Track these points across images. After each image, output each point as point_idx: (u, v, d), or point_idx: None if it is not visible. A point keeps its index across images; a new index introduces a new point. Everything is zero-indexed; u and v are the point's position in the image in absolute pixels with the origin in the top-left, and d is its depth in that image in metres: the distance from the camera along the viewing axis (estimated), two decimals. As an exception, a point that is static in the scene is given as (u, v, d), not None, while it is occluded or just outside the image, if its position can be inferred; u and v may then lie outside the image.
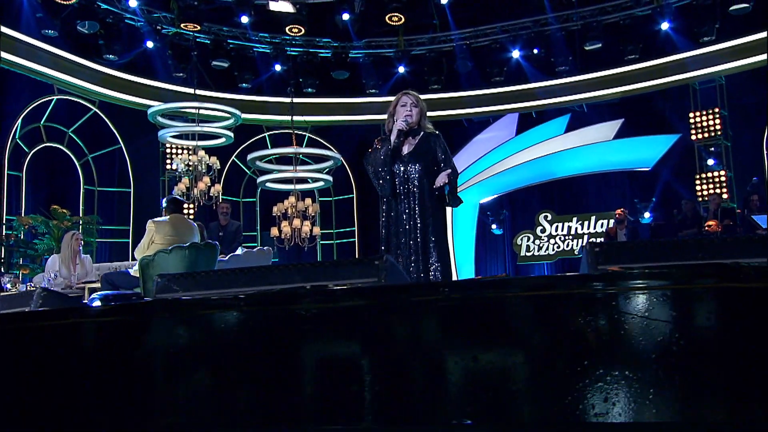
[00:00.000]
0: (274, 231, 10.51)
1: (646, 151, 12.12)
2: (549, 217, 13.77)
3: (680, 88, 12.10)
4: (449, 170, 3.64)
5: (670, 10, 11.39)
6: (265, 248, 6.09)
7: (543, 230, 13.81)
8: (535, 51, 12.31)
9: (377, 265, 1.55)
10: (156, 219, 5.60)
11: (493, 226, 13.99)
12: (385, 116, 3.92)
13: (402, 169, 3.68)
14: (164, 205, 5.67)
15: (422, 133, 3.81)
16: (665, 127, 12.25)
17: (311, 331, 1.42)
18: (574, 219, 13.61)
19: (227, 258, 5.90)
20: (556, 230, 13.72)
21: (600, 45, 11.89)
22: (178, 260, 5.20)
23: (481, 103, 13.04)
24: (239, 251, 6.41)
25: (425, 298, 1.35)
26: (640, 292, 1.18)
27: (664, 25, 11.52)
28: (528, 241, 13.88)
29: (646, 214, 12.46)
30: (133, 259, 6.03)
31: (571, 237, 13.60)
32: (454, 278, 6.27)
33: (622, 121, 12.48)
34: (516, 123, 13.25)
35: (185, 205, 11.90)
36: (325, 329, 1.40)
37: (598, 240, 12.37)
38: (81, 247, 6.74)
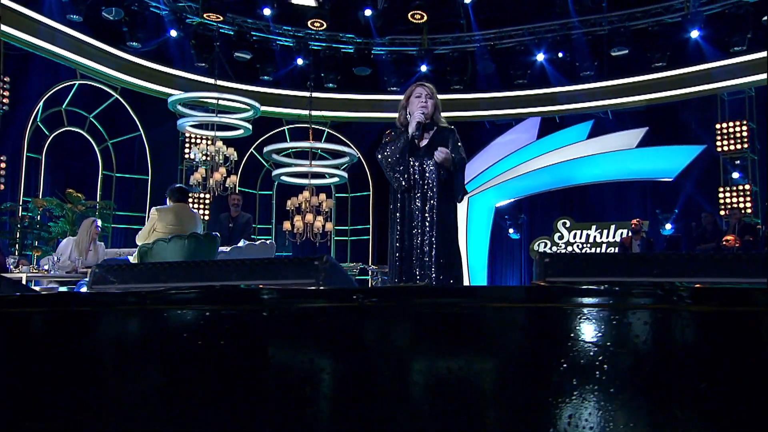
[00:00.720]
0: (287, 225, 10.50)
1: (669, 161, 11.86)
2: (568, 224, 13.57)
3: (707, 98, 11.82)
4: (451, 153, 3.51)
5: (700, 18, 11.13)
6: (267, 241, 6.06)
7: (561, 237, 13.61)
8: (560, 55, 12.13)
9: (317, 266, 1.48)
10: (159, 207, 5.59)
11: (511, 231, 13.83)
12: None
13: (417, 163, 3.54)
14: (168, 193, 5.65)
15: (436, 127, 3.65)
16: (690, 138, 11.97)
17: (268, 334, 1.34)
18: (593, 227, 13.39)
19: (229, 250, 5.88)
20: (575, 238, 13.51)
21: (627, 51, 11.68)
22: (176, 249, 5.18)
23: (502, 106, 12.89)
24: (241, 243, 6.39)
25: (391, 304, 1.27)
26: (569, 309, 1.10)
27: (694, 33, 11.26)
28: (545, 247, 13.69)
29: (668, 226, 12.20)
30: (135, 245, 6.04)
31: (589, 245, 13.38)
32: (465, 278, 6.13)
33: (646, 129, 12.23)
34: (538, 127, 13.06)
35: (201, 195, 12.06)
36: (284, 332, 1.33)
37: (614, 249, 12.16)
38: (97, 235, 6.77)
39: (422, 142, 3.57)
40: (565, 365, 1.03)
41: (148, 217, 5.55)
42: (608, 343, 1.03)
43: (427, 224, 3.45)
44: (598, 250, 13.00)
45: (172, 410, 1.36)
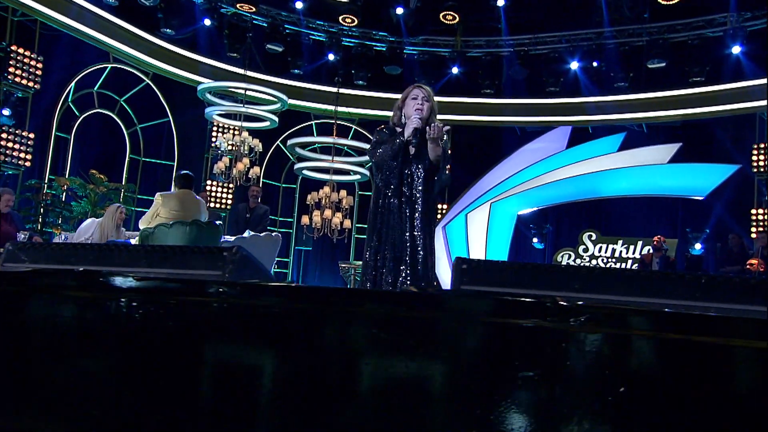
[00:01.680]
0: (305, 219, 10.49)
1: (701, 179, 11.51)
2: (593, 237, 13.29)
3: (745, 116, 11.45)
4: (448, 127, 3.45)
5: (743, 34, 10.78)
6: (273, 234, 6.04)
7: (585, 249, 13.33)
8: (594, 64, 11.88)
9: (225, 257, 1.41)
10: (164, 192, 5.61)
11: (535, 240, 13.62)
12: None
13: (406, 166, 3.49)
14: (174, 179, 5.67)
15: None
16: (724, 156, 11.60)
17: (207, 327, 1.28)
18: (620, 242, 13.08)
19: (233, 239, 5.88)
20: (600, 251, 13.22)
21: (664, 64, 11.39)
22: (178, 235, 5.18)
23: (532, 113, 12.69)
24: (246, 234, 6.38)
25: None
26: (468, 320, 1.01)
27: (735, 49, 10.92)
28: (569, 259, 13.42)
29: (697, 245, 11.86)
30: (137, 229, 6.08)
31: (614, 260, 13.08)
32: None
33: (679, 145, 11.90)
34: (568, 136, 12.81)
35: (224, 184, 12.13)
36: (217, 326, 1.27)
37: (631, 265, 11.87)
38: (122, 222, 6.82)
39: (411, 147, 3.52)
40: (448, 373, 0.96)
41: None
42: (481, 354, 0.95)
43: (413, 226, 3.41)
44: (623, 265, 12.69)
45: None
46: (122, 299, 1.13)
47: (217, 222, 5.50)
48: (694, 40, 11.15)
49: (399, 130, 3.57)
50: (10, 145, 9.38)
